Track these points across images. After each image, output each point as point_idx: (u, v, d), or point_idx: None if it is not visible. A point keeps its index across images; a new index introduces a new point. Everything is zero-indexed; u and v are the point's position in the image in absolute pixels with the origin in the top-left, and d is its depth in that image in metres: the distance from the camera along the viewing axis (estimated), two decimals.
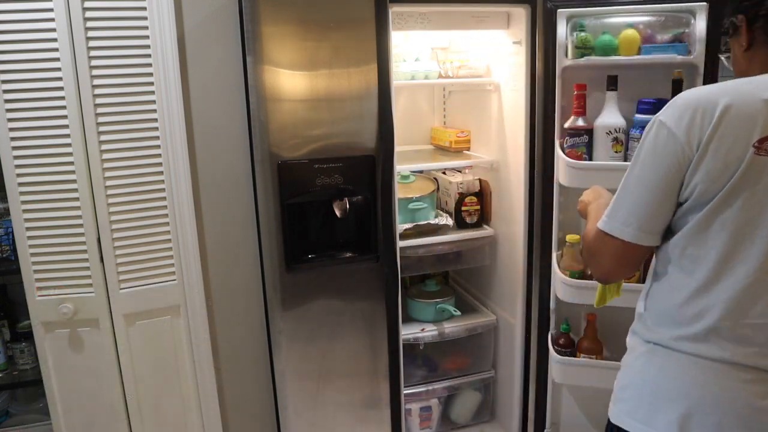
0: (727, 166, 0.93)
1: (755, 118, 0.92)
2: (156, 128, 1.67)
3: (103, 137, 1.62)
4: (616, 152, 1.82)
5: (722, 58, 1.35)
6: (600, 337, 2.02)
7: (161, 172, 1.70)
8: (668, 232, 1.05)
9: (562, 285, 1.94)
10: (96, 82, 1.58)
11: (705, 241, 0.98)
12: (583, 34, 1.84)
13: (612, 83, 1.82)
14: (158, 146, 1.68)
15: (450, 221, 2.21)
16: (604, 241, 1.05)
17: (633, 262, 1.08)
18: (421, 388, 2.20)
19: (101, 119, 1.61)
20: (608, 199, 1.09)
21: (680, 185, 0.98)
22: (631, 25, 1.83)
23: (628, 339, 1.15)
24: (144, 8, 1.60)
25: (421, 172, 2.27)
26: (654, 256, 1.10)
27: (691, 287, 1.00)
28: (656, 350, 1.05)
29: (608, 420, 1.13)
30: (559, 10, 1.83)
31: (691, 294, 1.00)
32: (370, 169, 1.75)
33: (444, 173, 2.39)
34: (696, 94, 0.99)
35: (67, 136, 1.58)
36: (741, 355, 0.96)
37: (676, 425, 0.99)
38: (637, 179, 1.02)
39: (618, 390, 1.12)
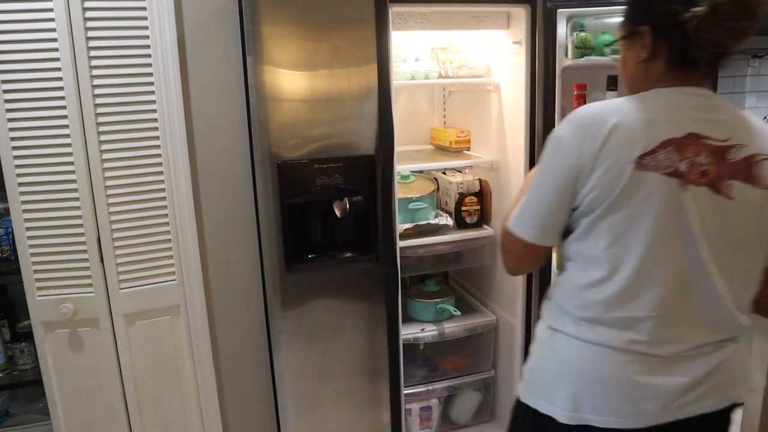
0: (611, 179, 1.03)
1: (638, 136, 1.02)
2: (156, 128, 1.67)
3: (103, 137, 1.62)
4: None
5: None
6: None
7: (161, 172, 1.70)
8: (566, 232, 1.16)
9: None
10: (96, 82, 1.58)
11: (593, 243, 1.10)
12: (583, 34, 1.84)
13: (612, 83, 1.82)
14: (158, 146, 1.68)
15: (450, 221, 2.21)
16: (512, 239, 1.16)
17: (535, 259, 1.20)
18: (421, 388, 2.20)
19: (101, 119, 1.61)
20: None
21: (574, 193, 1.08)
22: None
23: (538, 326, 1.26)
24: (144, 8, 1.60)
25: (421, 172, 2.27)
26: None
27: (583, 282, 1.12)
28: (556, 336, 1.17)
29: (517, 399, 1.26)
30: (559, 10, 1.84)
31: (583, 288, 1.12)
32: (370, 169, 1.75)
33: (444, 173, 2.39)
34: (589, 111, 1.08)
35: (67, 136, 1.59)
36: (622, 342, 1.10)
37: (571, 401, 1.13)
38: (539, 187, 1.13)
39: (527, 373, 1.24)
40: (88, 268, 1.67)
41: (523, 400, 1.22)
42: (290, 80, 1.64)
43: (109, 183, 1.64)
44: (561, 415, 1.14)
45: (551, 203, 1.11)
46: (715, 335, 1.12)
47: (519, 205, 1.16)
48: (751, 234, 1.08)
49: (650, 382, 1.10)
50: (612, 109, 1.07)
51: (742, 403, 1.20)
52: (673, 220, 1.05)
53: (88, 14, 1.54)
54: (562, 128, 1.09)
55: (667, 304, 1.08)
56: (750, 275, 1.12)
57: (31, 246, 1.62)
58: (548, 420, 1.16)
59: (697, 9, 1.00)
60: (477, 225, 2.28)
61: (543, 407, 1.17)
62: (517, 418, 1.25)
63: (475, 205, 2.26)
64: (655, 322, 1.08)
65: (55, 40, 1.53)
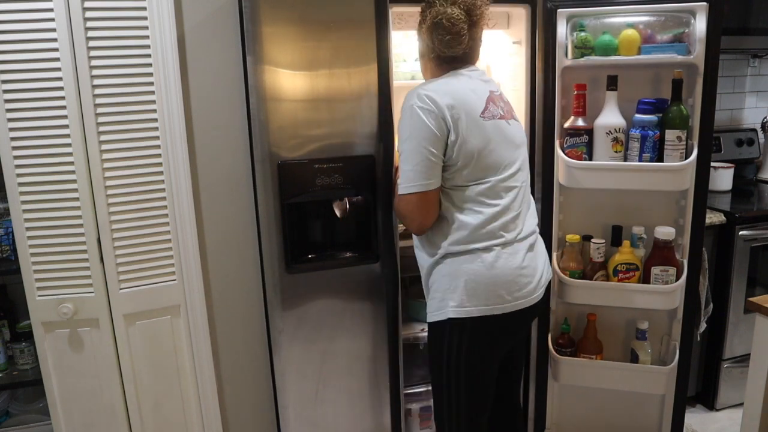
0: (471, 128, 1.47)
1: (477, 100, 1.51)
2: (156, 128, 1.67)
3: (103, 137, 1.62)
4: (616, 152, 1.83)
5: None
6: (600, 337, 2.02)
7: (161, 172, 1.70)
8: (454, 185, 1.50)
9: (562, 285, 1.94)
10: (96, 82, 1.58)
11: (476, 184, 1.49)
12: (583, 34, 1.84)
13: (612, 83, 1.82)
14: (158, 146, 1.68)
15: None
16: (409, 200, 1.48)
17: (434, 205, 1.50)
18: (421, 388, 2.19)
19: (101, 119, 1.61)
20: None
21: (445, 147, 1.46)
22: (631, 25, 1.83)
23: (431, 265, 1.57)
24: (144, 8, 1.60)
25: None
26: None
27: (484, 216, 1.49)
28: (465, 257, 1.50)
29: (441, 321, 1.52)
30: (559, 10, 1.84)
31: (486, 219, 1.50)
32: (370, 169, 1.75)
33: None
34: (436, 87, 1.51)
35: (67, 136, 1.59)
36: (508, 242, 1.51)
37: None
38: (415, 149, 1.45)
39: (449, 292, 1.50)
40: (88, 268, 1.67)
41: (455, 315, 1.49)
42: (290, 80, 1.64)
43: (109, 183, 1.64)
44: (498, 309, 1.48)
45: (430, 156, 1.47)
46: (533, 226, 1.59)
47: (402, 173, 1.50)
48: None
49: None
50: (446, 87, 1.53)
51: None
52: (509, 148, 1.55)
53: (88, 14, 1.55)
54: (417, 102, 1.49)
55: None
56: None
57: (31, 246, 1.63)
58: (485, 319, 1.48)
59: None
60: None
61: (478, 311, 1.48)
62: (453, 335, 1.51)
63: None
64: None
65: (55, 40, 1.53)
